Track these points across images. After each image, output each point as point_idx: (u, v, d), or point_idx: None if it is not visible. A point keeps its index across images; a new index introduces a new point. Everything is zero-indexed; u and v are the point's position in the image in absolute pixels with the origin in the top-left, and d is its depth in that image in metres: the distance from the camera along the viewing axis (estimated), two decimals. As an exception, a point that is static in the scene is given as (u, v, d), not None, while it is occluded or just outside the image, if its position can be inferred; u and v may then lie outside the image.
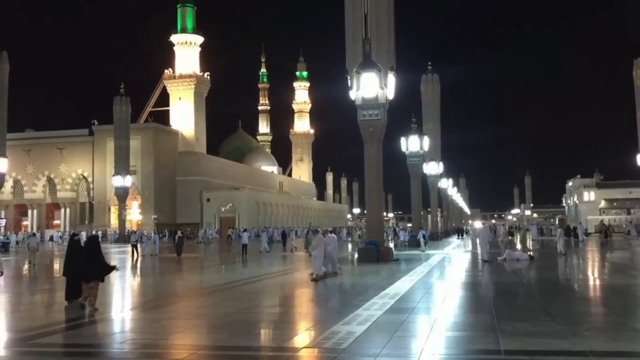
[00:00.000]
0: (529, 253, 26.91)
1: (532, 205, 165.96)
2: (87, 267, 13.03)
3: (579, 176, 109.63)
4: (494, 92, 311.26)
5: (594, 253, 32.59)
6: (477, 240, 28.87)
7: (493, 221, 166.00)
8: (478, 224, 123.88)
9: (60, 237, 66.41)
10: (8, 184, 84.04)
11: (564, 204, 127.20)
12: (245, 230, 42.56)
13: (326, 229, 25.91)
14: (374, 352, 8.16)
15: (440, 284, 17.63)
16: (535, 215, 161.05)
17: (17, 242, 54.71)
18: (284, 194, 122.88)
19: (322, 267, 18.67)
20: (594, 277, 20.15)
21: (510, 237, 54.77)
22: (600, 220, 57.78)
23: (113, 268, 14.11)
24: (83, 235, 28.36)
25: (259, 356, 8.37)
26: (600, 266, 24.89)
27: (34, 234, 37.92)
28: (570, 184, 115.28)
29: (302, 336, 9.74)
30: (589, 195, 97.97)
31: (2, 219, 63.98)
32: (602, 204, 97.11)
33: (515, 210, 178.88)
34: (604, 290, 16.48)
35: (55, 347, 9.33)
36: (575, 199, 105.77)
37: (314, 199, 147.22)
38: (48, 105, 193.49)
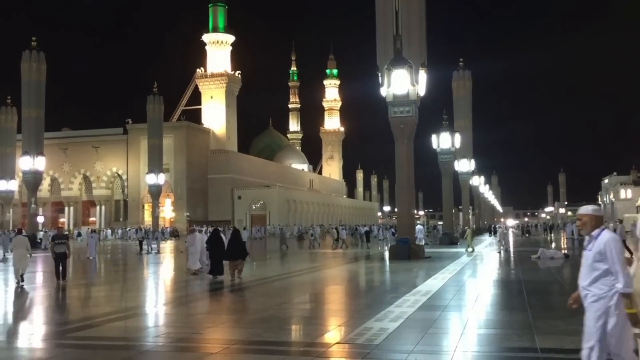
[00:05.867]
0: (563, 251, 26.49)
1: (566, 203, 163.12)
2: (235, 250, 17.71)
3: (615, 173, 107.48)
4: (528, 88, 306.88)
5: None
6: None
7: (526, 219, 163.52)
8: (510, 222, 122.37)
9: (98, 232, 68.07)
10: (45, 182, 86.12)
11: (600, 202, 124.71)
12: (244, 229, 43.48)
13: (201, 228, 29.04)
14: (407, 348, 8.10)
15: (472, 281, 17.44)
16: (569, 213, 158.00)
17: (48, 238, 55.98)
18: (314, 191, 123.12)
19: (197, 263, 20.14)
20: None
21: (527, 235, 54.35)
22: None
23: (247, 253, 18.69)
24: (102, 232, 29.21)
25: (291, 351, 8.39)
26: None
27: (93, 230, 41.73)
28: (606, 181, 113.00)
29: (335, 332, 9.74)
30: (626, 193, 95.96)
31: (40, 215, 65.45)
32: (639, 201, 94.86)
33: (549, 208, 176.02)
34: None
35: (91, 340, 9.51)
36: (611, 196, 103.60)
37: (344, 196, 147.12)
38: (84, 105, 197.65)
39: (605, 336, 5.19)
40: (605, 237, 5.25)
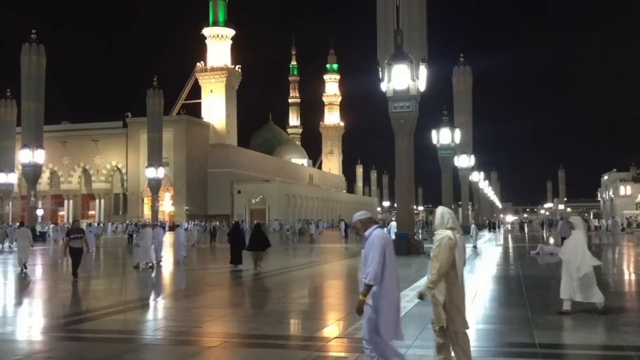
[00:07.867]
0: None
1: (565, 199, 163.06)
2: (258, 242, 19.09)
3: (614, 170, 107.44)
4: (528, 84, 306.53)
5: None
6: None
7: (525, 215, 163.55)
8: (510, 218, 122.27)
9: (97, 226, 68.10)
10: (45, 175, 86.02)
11: (599, 198, 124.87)
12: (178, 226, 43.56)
13: (155, 223, 28.96)
14: (406, 343, 8.12)
15: (471, 277, 17.45)
16: (569, 209, 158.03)
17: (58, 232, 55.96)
18: (314, 186, 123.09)
19: (150, 257, 20.46)
20: (629, 272, 19.71)
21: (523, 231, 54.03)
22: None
23: (269, 245, 20.02)
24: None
25: (290, 345, 8.42)
26: (629, 260, 24.34)
27: (98, 223, 40.95)
28: (605, 177, 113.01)
29: (333, 326, 9.77)
30: (625, 190, 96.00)
31: (39, 208, 65.38)
32: (639, 198, 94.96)
33: (548, 205, 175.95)
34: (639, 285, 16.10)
35: (91, 333, 9.52)
36: (610, 193, 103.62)
37: (344, 191, 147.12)
38: (83, 98, 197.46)
39: (371, 322, 5.93)
40: (371, 236, 6.04)
